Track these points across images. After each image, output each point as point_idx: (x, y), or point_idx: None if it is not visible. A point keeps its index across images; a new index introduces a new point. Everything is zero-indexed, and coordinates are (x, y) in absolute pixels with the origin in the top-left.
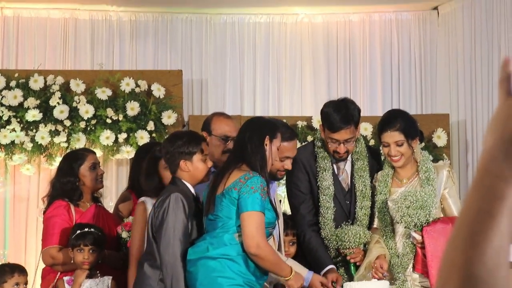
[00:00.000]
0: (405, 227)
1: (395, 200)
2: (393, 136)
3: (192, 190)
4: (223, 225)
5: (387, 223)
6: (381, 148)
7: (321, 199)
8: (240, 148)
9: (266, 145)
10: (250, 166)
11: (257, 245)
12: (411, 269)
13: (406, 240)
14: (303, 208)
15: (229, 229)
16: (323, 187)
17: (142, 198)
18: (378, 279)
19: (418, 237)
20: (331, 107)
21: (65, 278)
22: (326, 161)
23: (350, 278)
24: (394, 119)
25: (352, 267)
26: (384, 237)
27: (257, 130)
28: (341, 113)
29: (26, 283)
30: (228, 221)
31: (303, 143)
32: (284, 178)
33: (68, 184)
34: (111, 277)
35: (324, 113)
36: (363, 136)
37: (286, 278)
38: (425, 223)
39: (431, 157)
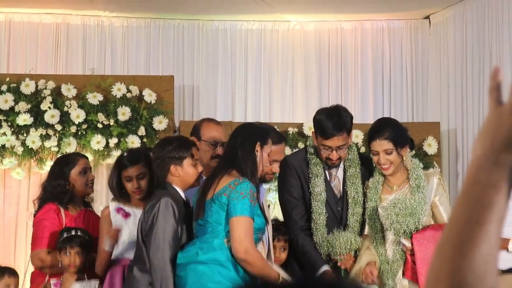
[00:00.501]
0: (394, 235)
1: (385, 207)
2: (382, 145)
3: (182, 195)
4: (212, 230)
5: (377, 230)
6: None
7: (313, 205)
8: (231, 153)
9: (257, 151)
10: (240, 172)
11: (245, 250)
12: (401, 275)
13: (396, 247)
14: (296, 214)
15: (219, 234)
16: (315, 193)
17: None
18: (367, 285)
19: (408, 244)
20: (323, 114)
21: (52, 281)
22: (318, 167)
23: None
24: (383, 128)
25: (342, 274)
26: (375, 243)
27: (249, 136)
28: (333, 120)
29: (17, 285)
30: (217, 226)
31: (294, 150)
32: (276, 183)
33: (58, 188)
34: (98, 280)
35: (317, 120)
36: (354, 143)
37: None
38: (414, 230)
39: (421, 165)
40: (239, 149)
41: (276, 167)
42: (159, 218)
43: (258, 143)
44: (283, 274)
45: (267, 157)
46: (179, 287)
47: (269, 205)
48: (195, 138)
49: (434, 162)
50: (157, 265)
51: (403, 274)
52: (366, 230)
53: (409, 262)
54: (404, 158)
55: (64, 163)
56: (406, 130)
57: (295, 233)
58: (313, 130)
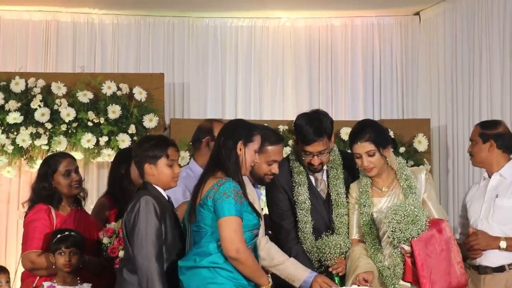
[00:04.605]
0: (397, 243)
1: (384, 214)
2: (363, 147)
3: (164, 194)
4: (206, 235)
5: (374, 235)
6: None
7: (298, 213)
8: (216, 153)
9: (240, 149)
10: (225, 172)
11: (236, 249)
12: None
13: (394, 250)
14: (287, 224)
15: (213, 238)
16: (299, 201)
17: None
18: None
19: (407, 248)
20: (303, 119)
21: (45, 284)
22: (301, 176)
23: None
24: (364, 130)
25: (335, 278)
26: (372, 250)
27: (230, 135)
28: (313, 125)
29: (8, 281)
30: (210, 230)
31: (285, 148)
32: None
33: (43, 190)
34: (90, 284)
35: (297, 126)
36: (344, 141)
37: (263, 287)
38: (416, 237)
39: (406, 163)
40: (222, 149)
41: (275, 168)
42: (140, 217)
43: (241, 141)
44: (297, 268)
45: (253, 154)
46: None
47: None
48: (209, 138)
49: (424, 159)
50: (142, 263)
51: (403, 278)
52: (357, 235)
53: (408, 265)
54: (388, 159)
55: (47, 166)
56: (387, 131)
57: (289, 245)
58: (295, 136)
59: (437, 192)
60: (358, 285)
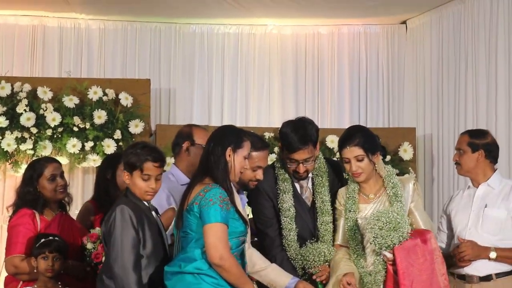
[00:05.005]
0: (378, 249)
1: (367, 220)
2: (352, 151)
3: (145, 202)
4: (192, 241)
5: (358, 241)
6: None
7: (283, 221)
8: (205, 160)
9: (229, 155)
10: (212, 179)
11: (220, 256)
12: (381, 286)
13: (377, 257)
14: (271, 231)
15: (198, 245)
16: (283, 209)
17: None
18: None
19: (389, 255)
20: (289, 127)
21: None
22: (286, 183)
23: None
24: (353, 135)
25: (319, 286)
26: (355, 255)
27: (219, 142)
28: (299, 133)
29: None
30: (195, 236)
31: (271, 155)
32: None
33: (28, 194)
34: None
35: (283, 133)
36: (329, 148)
37: None
38: (397, 244)
39: (395, 171)
40: (210, 155)
41: (260, 174)
42: (116, 227)
43: (229, 148)
44: (279, 274)
45: (243, 160)
46: None
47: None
48: (189, 143)
49: (410, 168)
50: (117, 273)
51: (384, 285)
52: (340, 240)
53: (390, 273)
54: (377, 165)
55: (32, 170)
56: (377, 137)
57: (273, 253)
58: (280, 144)
59: (421, 198)
60: None
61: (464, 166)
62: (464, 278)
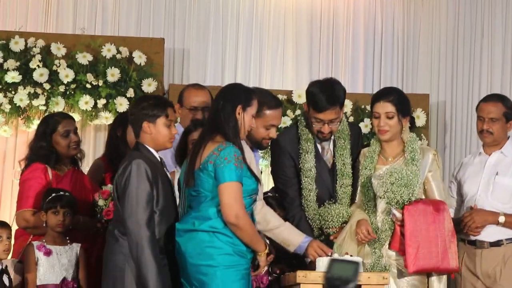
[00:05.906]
0: (386, 203)
1: (380, 176)
2: (384, 107)
3: (157, 156)
4: (206, 199)
5: (370, 198)
6: (370, 121)
7: (303, 181)
8: (214, 118)
9: (238, 113)
10: (224, 136)
11: (236, 215)
12: (387, 246)
13: (386, 217)
14: (292, 192)
15: (213, 203)
16: (305, 169)
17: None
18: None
19: (398, 214)
20: (317, 87)
21: (35, 243)
22: (309, 143)
23: None
24: (390, 92)
25: (335, 247)
26: (366, 211)
27: (229, 99)
28: (326, 93)
29: (9, 237)
30: (210, 195)
31: (283, 117)
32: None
33: (41, 150)
34: (80, 244)
35: (310, 93)
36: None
37: (260, 253)
38: (407, 202)
39: (418, 139)
40: (220, 113)
41: (273, 132)
42: (131, 182)
43: (240, 106)
44: (292, 233)
45: (251, 119)
46: (178, 253)
47: (261, 172)
48: (178, 105)
49: (422, 135)
50: (132, 229)
51: (389, 245)
52: (357, 199)
53: (397, 233)
54: (404, 129)
55: (46, 125)
56: (409, 102)
57: (293, 213)
58: (305, 102)
59: (441, 171)
60: (363, 239)
61: (497, 135)
62: (474, 243)
